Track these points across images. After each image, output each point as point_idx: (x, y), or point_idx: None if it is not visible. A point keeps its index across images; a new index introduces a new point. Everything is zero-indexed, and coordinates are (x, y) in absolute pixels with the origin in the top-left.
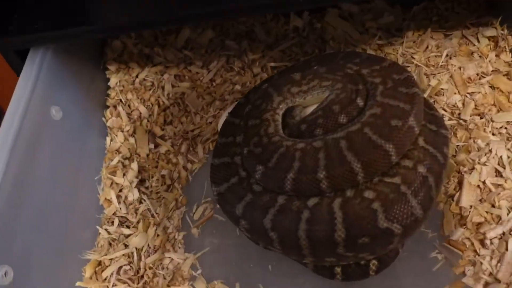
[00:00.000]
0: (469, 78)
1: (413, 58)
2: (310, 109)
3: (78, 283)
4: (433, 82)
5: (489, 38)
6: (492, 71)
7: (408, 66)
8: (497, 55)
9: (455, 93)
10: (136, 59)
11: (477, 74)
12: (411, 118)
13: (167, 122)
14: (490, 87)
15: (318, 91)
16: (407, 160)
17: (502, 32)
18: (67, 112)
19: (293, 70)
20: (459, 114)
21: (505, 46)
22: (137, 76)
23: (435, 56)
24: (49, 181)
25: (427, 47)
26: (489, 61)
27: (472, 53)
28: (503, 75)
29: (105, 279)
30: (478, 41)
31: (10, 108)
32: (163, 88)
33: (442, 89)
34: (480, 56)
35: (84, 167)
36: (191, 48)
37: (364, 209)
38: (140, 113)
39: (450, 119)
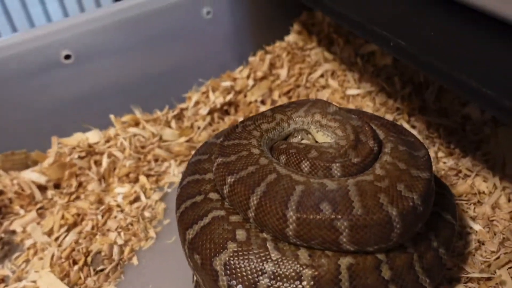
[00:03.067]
0: None
1: None
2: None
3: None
4: None
5: None
6: None
7: None
8: None
9: None
10: (320, 36)
11: None
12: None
13: (287, 95)
14: None
15: (329, 133)
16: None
17: None
18: (220, 20)
19: (349, 113)
20: None
21: None
22: (309, 50)
23: None
24: (170, 46)
25: None
26: None
27: None
28: None
29: (118, 134)
30: None
31: None
32: (313, 71)
33: None
34: None
35: (202, 66)
36: (367, 60)
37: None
38: (279, 74)
39: None
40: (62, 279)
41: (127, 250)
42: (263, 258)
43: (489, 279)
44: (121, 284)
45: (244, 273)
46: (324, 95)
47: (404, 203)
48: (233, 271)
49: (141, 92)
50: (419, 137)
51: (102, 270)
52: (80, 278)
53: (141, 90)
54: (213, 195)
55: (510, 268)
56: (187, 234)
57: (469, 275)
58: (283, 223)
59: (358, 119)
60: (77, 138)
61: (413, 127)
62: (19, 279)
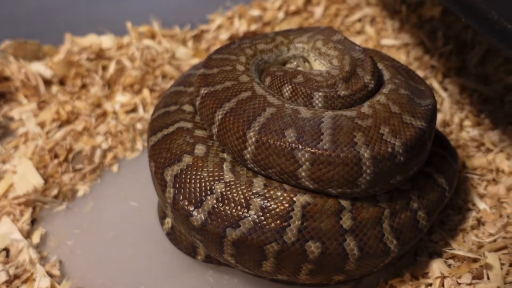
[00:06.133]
0: None
1: None
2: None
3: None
4: None
5: None
6: None
7: None
8: None
9: None
10: None
11: None
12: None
13: None
14: None
15: (325, 62)
16: None
17: None
18: None
19: (354, 45)
20: None
21: None
22: None
23: None
24: None
25: None
26: None
27: None
28: None
29: (132, 43)
30: None
31: None
32: (351, 14)
33: None
34: None
35: None
36: (413, 10)
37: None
38: (314, 12)
39: None
40: (39, 169)
41: (110, 155)
42: (215, 178)
43: (475, 260)
44: (95, 187)
45: (192, 189)
46: (355, 41)
47: (381, 147)
48: (182, 184)
49: (163, 4)
50: (448, 100)
51: (80, 170)
52: (57, 172)
53: (165, 2)
54: (187, 107)
55: (504, 254)
56: (150, 141)
57: (453, 251)
58: (242, 144)
59: (361, 52)
60: (91, 39)
61: (445, 89)
62: (3, 162)
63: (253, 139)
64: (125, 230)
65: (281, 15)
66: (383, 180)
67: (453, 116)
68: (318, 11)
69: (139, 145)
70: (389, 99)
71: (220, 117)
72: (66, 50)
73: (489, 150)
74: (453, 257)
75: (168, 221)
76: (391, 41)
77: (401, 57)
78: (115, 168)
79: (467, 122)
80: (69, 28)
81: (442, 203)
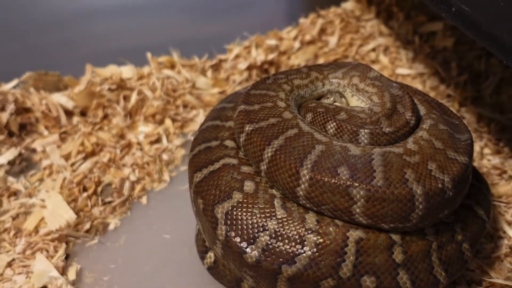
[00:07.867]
0: None
1: None
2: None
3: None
4: None
5: None
6: None
7: None
8: None
9: None
10: (380, 8)
11: None
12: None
13: None
14: None
15: (364, 99)
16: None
17: None
18: None
19: (391, 81)
20: None
21: None
22: (365, 21)
23: None
24: None
25: None
26: None
27: None
28: None
29: (152, 73)
30: None
31: None
32: (365, 43)
33: None
34: None
35: (249, 19)
36: (425, 40)
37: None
38: (328, 42)
39: None
40: (69, 203)
41: (138, 188)
42: (267, 215)
43: None
44: (126, 220)
45: (245, 226)
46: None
47: (432, 183)
48: (234, 221)
49: (182, 35)
50: None
51: (110, 202)
52: (87, 205)
53: (183, 33)
54: (229, 143)
55: None
56: (195, 177)
57: (492, 280)
58: (295, 181)
59: (399, 89)
60: (111, 70)
61: (462, 118)
62: (29, 196)
63: (307, 176)
64: (161, 264)
65: (296, 44)
66: (433, 214)
67: (474, 145)
68: (332, 40)
69: (166, 176)
70: (431, 135)
71: (269, 154)
72: (87, 80)
73: (511, 178)
74: (491, 285)
75: (211, 255)
76: (406, 71)
77: (417, 86)
78: (144, 200)
79: (487, 150)
80: (89, 59)
81: (482, 234)
